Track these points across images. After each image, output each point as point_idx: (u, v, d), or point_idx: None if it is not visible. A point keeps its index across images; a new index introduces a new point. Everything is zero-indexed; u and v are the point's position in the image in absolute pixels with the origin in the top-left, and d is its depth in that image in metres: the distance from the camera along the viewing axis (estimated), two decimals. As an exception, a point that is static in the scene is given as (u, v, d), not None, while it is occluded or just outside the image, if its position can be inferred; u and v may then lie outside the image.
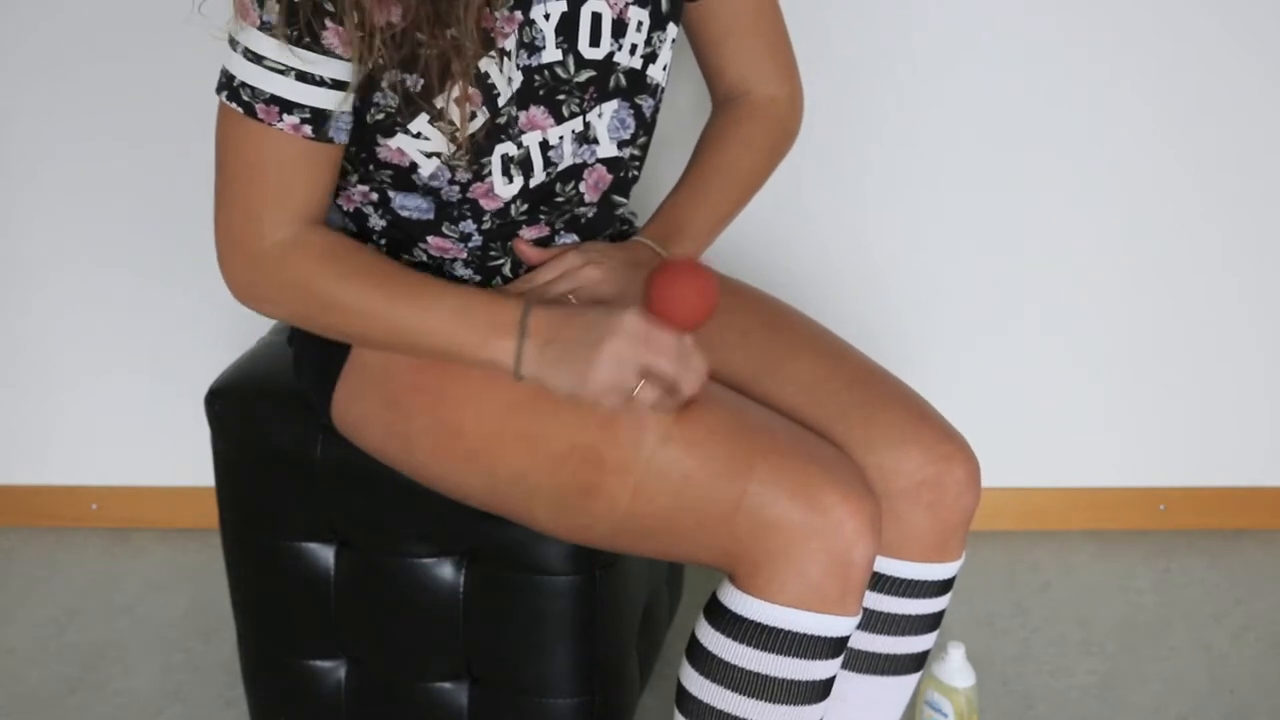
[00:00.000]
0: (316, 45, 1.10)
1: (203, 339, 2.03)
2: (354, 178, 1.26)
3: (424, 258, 1.31)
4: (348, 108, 1.16)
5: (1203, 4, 1.84)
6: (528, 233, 1.31)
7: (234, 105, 1.13)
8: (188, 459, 2.06)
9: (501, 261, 1.32)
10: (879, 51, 1.87)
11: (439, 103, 1.16)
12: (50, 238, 2.01)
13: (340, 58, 1.12)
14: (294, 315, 1.22)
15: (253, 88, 1.12)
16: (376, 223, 1.30)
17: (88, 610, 1.96)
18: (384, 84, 1.15)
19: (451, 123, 1.17)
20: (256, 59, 1.11)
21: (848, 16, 1.84)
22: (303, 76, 1.12)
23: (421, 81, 1.15)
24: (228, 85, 1.14)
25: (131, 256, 2.01)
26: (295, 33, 1.09)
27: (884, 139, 1.92)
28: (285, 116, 1.13)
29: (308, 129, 1.14)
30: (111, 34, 1.89)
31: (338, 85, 1.13)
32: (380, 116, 1.18)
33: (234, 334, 1.99)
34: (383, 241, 1.31)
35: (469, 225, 1.28)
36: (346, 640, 1.48)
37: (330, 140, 1.16)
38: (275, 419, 1.43)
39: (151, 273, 2.02)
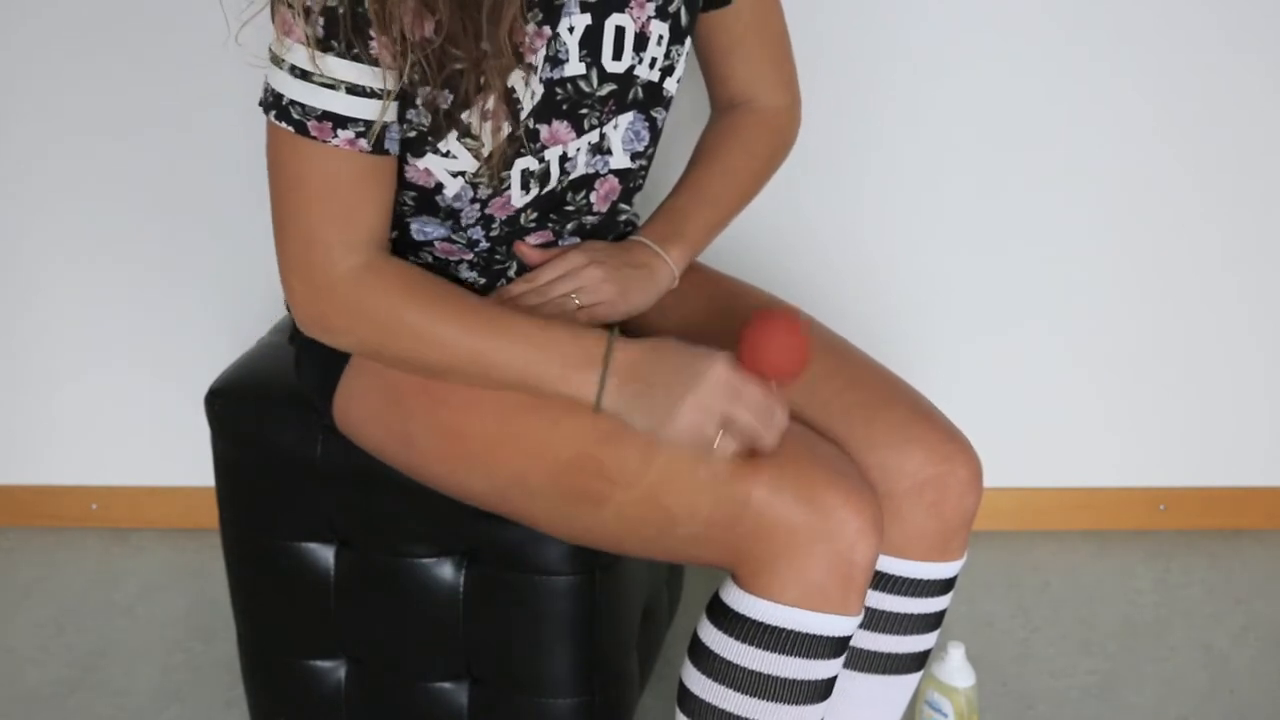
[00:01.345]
0: (366, 55, 1.08)
1: (203, 339, 2.03)
2: None
3: (429, 259, 1.31)
4: (392, 117, 1.13)
5: (1203, 3, 1.84)
6: (533, 238, 1.31)
7: (284, 125, 1.10)
8: (188, 459, 2.06)
9: (506, 264, 1.32)
10: (879, 51, 1.87)
11: (467, 118, 1.15)
12: (50, 237, 2.01)
13: (388, 67, 1.09)
14: (366, 345, 1.18)
15: (303, 105, 1.09)
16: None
17: (88, 610, 1.96)
18: (418, 101, 1.14)
19: (477, 138, 1.17)
20: (304, 75, 1.09)
21: (847, 15, 1.84)
22: (353, 90, 1.09)
23: (452, 97, 1.14)
24: (275, 104, 1.11)
25: (131, 256, 2.01)
26: (341, 45, 1.07)
27: (883, 139, 1.92)
28: (339, 132, 1.10)
29: (363, 143, 1.11)
30: (113, 29, 1.89)
31: (385, 95, 1.10)
32: (412, 135, 1.17)
33: (234, 334, 1.99)
34: (391, 240, 1.30)
35: (477, 232, 1.28)
36: (346, 640, 1.48)
37: (386, 152, 1.14)
38: (275, 419, 1.43)
39: (152, 273, 2.01)
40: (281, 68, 1.10)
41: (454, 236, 1.28)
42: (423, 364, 1.18)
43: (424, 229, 1.27)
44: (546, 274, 1.28)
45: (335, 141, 1.10)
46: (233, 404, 1.45)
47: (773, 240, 1.95)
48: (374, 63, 1.08)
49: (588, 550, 1.35)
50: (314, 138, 1.10)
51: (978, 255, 1.98)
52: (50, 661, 1.85)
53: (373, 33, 1.07)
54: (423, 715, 1.47)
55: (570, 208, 1.30)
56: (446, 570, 1.41)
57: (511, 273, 1.33)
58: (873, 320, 1.99)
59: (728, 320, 1.37)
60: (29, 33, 1.90)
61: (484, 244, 1.29)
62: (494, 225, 1.27)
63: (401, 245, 1.30)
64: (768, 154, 1.42)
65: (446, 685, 1.46)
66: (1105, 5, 1.84)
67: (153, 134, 1.94)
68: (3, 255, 2.03)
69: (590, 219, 1.33)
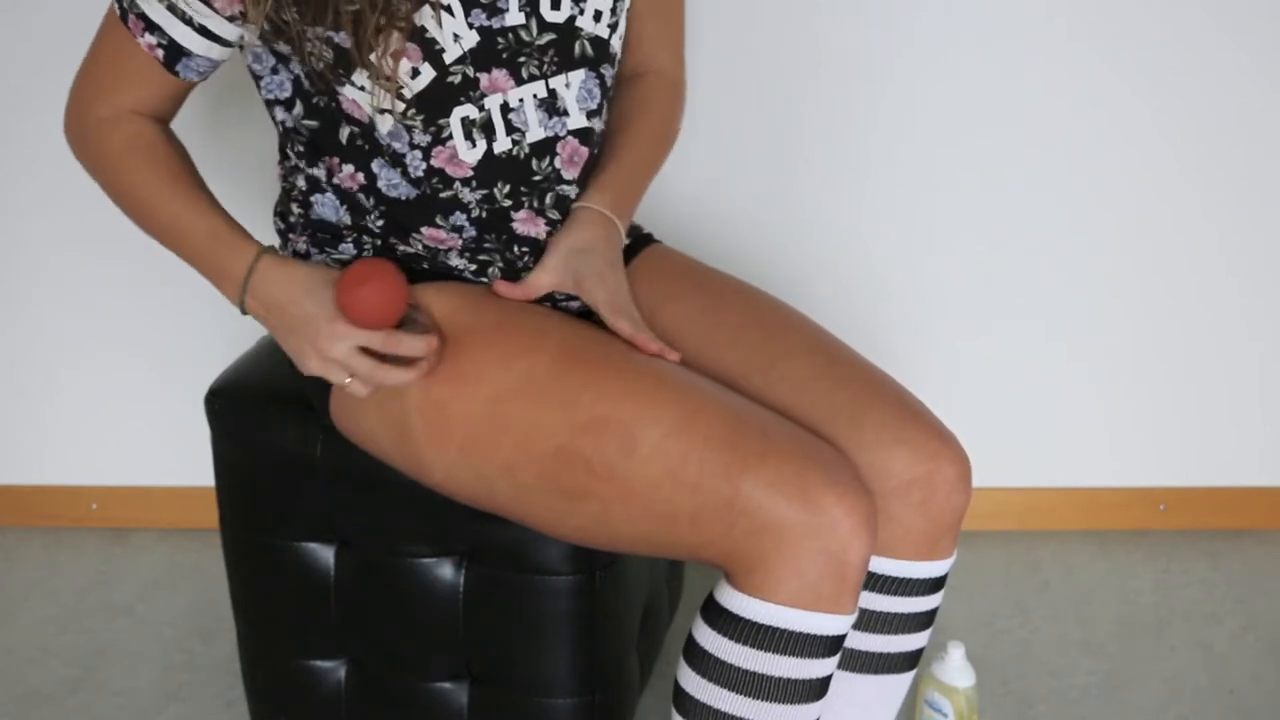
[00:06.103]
0: None
1: (203, 339, 2.03)
2: (337, 160, 1.28)
3: (419, 248, 1.31)
4: (217, 57, 1.25)
5: (1203, 3, 1.84)
6: (520, 223, 1.31)
7: (116, 4, 1.25)
8: (188, 459, 2.07)
9: (494, 252, 1.32)
10: (877, 50, 1.87)
11: (374, 59, 1.19)
12: (50, 236, 2.01)
13: (218, 13, 1.20)
14: (100, 185, 1.32)
15: None
16: (370, 208, 1.30)
17: (88, 610, 1.96)
18: (310, 35, 1.20)
19: (391, 79, 1.20)
20: None
21: (847, 13, 1.84)
22: (173, 9, 1.21)
23: (352, 38, 1.19)
24: None
25: (132, 256, 2.01)
26: None
27: (881, 139, 1.92)
28: (146, 35, 1.23)
29: (160, 54, 1.24)
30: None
31: (205, 33, 1.22)
32: (321, 66, 1.22)
33: (234, 334, 1.99)
34: (379, 226, 1.31)
35: (459, 217, 1.28)
36: (346, 640, 1.48)
37: (177, 74, 1.26)
38: (275, 419, 1.43)
39: (152, 273, 2.02)
40: None
41: (438, 221, 1.29)
42: (131, 218, 1.32)
43: (390, 180, 1.28)
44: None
45: (140, 40, 1.24)
46: (233, 404, 1.46)
47: (770, 239, 1.95)
48: (206, 3, 1.20)
49: (588, 550, 1.35)
50: (128, 28, 1.24)
51: (976, 255, 1.98)
52: (50, 661, 1.85)
53: None
54: (423, 715, 1.47)
55: (538, 177, 1.30)
56: (446, 570, 1.41)
57: (500, 264, 1.33)
58: (871, 320, 1.99)
59: (719, 318, 1.37)
60: (30, 31, 1.90)
61: (469, 229, 1.29)
62: (471, 205, 1.28)
63: (391, 234, 1.31)
64: (678, 119, 1.47)
65: (446, 685, 1.46)
66: (1106, 5, 1.84)
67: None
68: (2, 254, 2.03)
69: (565, 189, 1.33)
